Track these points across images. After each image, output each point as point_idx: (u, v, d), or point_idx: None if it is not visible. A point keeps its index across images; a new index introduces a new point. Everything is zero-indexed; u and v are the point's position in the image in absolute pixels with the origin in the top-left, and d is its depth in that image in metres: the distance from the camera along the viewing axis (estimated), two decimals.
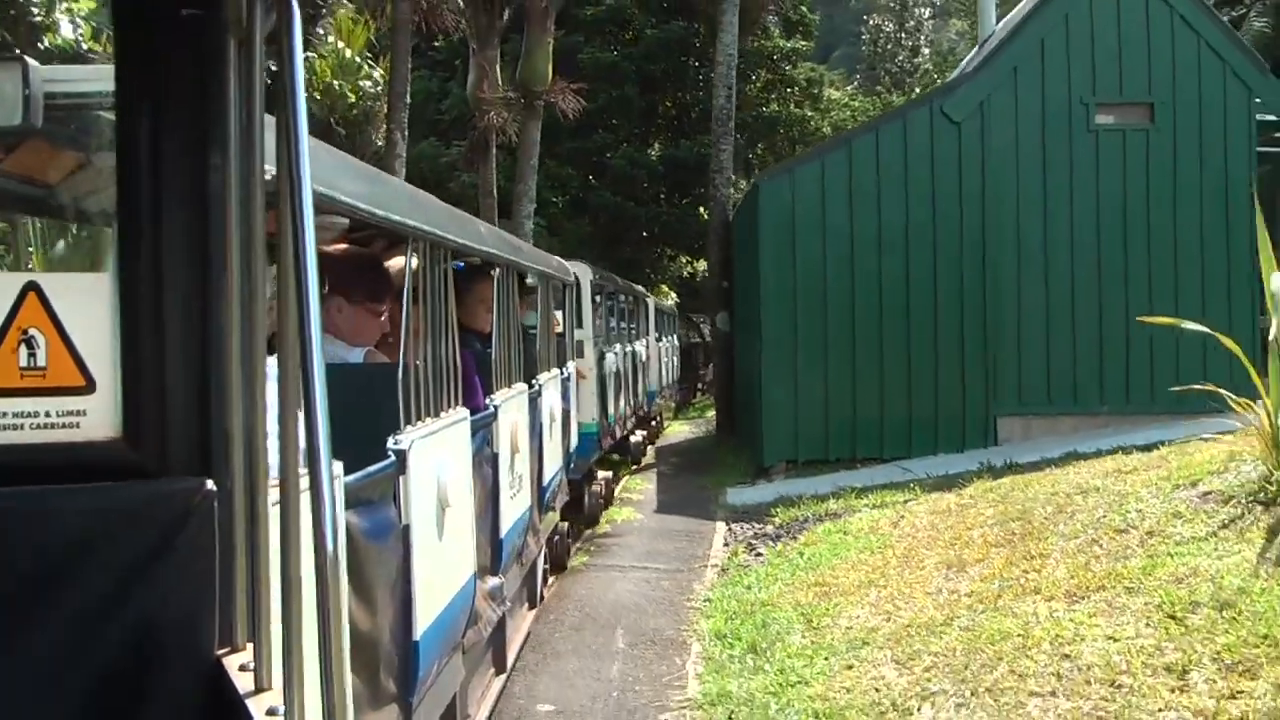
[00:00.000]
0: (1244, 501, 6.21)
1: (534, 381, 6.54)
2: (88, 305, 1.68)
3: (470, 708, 4.75)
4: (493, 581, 4.89)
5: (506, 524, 5.22)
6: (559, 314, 8.37)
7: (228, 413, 1.67)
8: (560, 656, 6.62)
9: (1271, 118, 12.92)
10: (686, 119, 28.62)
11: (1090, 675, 4.83)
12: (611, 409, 11.88)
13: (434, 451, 3.69)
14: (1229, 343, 6.72)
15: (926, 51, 49.60)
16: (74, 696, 1.60)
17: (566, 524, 8.89)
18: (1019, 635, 5.43)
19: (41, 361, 1.65)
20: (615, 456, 14.31)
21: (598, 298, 11.96)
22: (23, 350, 1.65)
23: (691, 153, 26.40)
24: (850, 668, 5.67)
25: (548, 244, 26.49)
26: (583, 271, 10.77)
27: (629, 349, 14.25)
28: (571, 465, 8.78)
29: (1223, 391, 6.65)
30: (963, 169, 12.92)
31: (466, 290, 4.93)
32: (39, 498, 1.64)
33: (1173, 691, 4.54)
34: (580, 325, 10.37)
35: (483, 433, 4.76)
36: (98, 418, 1.67)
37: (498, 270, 5.35)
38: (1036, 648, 5.23)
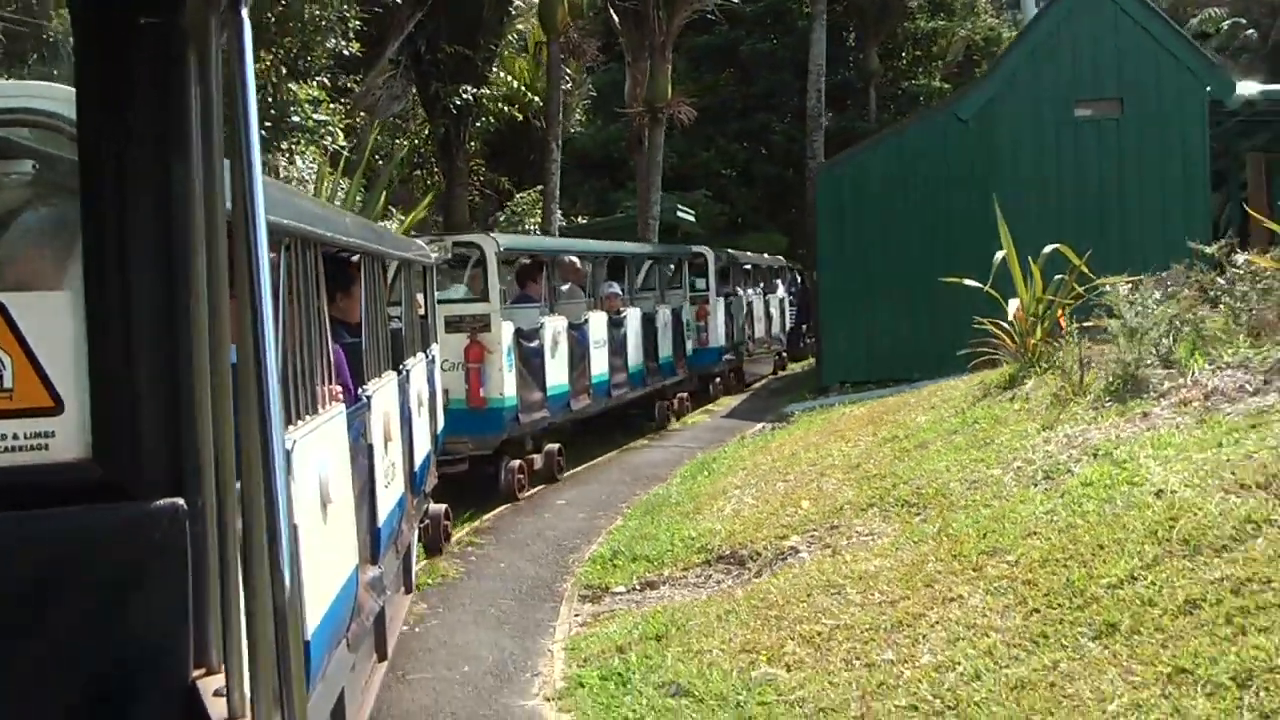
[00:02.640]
0: (990, 389, 10.26)
1: (401, 367, 6.67)
2: (54, 324, 1.65)
3: (357, 698, 4.81)
4: (372, 572, 4.93)
5: (383, 513, 5.35)
6: (420, 296, 8.36)
7: (199, 430, 1.66)
8: (586, 484, 11.41)
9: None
10: (839, 96, 32.47)
11: (812, 469, 9.21)
12: (560, 381, 11.59)
13: (315, 449, 3.70)
14: (994, 294, 10.71)
15: None
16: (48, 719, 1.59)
17: (444, 507, 8.82)
18: (806, 457, 9.81)
19: (8, 384, 1.62)
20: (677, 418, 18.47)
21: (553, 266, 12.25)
22: None
23: (841, 127, 30.25)
24: (724, 478, 10.18)
25: (718, 210, 31.14)
26: (488, 244, 10.46)
27: (627, 314, 14.19)
28: (441, 446, 8.90)
29: (992, 325, 10.64)
30: (972, 157, 16.70)
31: (332, 282, 4.88)
32: (8, 522, 1.61)
33: (844, 473, 8.85)
34: (487, 299, 10.19)
35: (357, 424, 4.83)
36: (67, 439, 1.65)
37: (358, 258, 5.47)
38: (804, 462, 9.61)
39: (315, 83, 11.70)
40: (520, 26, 21.63)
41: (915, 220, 16.86)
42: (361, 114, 15.45)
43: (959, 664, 4.86)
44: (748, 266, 22.00)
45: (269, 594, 1.37)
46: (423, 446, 7.35)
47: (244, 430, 1.42)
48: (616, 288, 14.43)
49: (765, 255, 25.02)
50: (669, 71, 20.20)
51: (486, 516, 9.89)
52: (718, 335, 18.34)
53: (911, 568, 6.08)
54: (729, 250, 21.04)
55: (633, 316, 14.44)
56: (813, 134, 21.49)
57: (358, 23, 12.67)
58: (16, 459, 1.64)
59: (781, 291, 24.87)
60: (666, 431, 14.97)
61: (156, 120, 1.64)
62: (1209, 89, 16.04)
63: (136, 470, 1.66)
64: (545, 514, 10.07)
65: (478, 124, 19.60)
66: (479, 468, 10.21)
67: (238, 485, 1.50)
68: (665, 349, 15.79)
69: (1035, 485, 6.75)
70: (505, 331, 10.25)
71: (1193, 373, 7.83)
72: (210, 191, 1.61)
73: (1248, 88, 16.94)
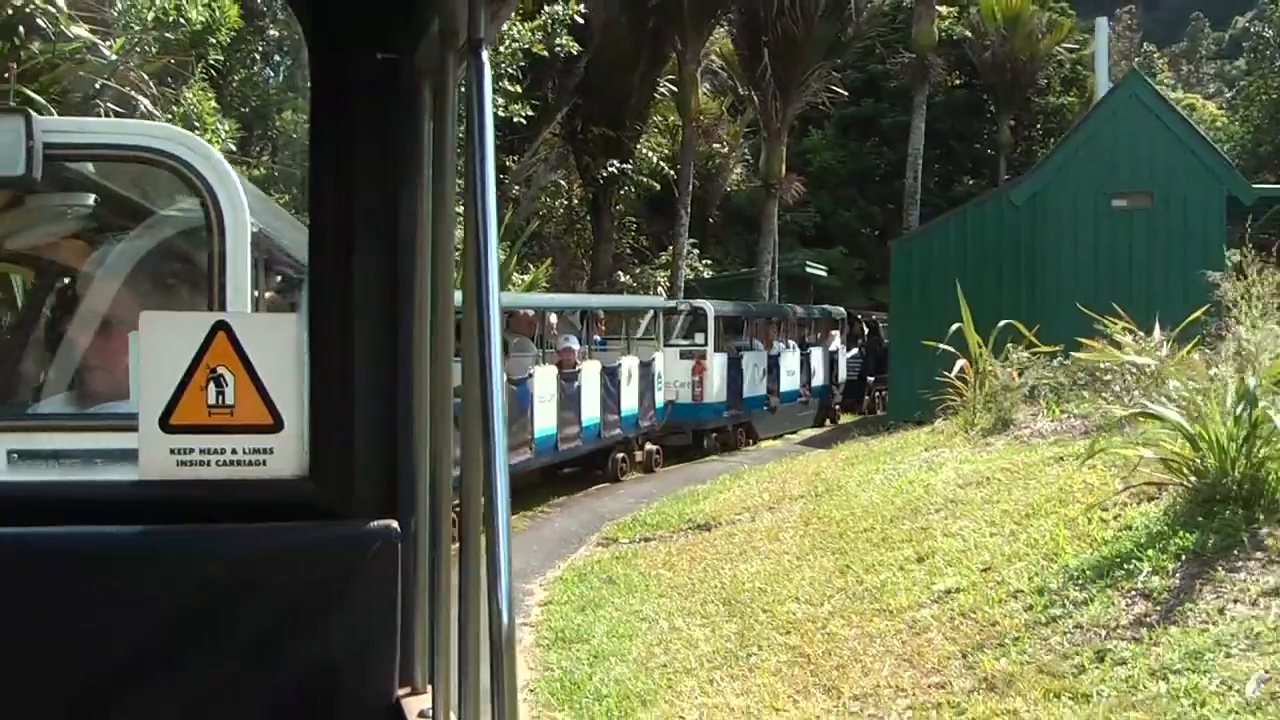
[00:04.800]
0: (943, 434, 13.47)
1: None
2: (276, 345, 1.71)
3: None
4: None
5: None
6: None
7: (415, 454, 1.72)
8: (645, 482, 15.10)
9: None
10: (977, 163, 35.37)
11: (791, 475, 12.66)
12: None
13: None
14: (956, 353, 13.93)
15: None
16: None
17: None
18: (796, 468, 13.27)
19: (230, 400, 1.69)
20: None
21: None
22: (211, 388, 1.68)
23: (969, 194, 33.07)
24: (741, 481, 13.71)
25: (855, 265, 34.38)
26: None
27: (582, 368, 14.25)
28: None
29: (957, 383, 13.84)
30: (1021, 236, 19.71)
31: None
32: (223, 536, 1.67)
33: (804, 477, 12.26)
34: None
35: None
36: (284, 456, 1.70)
37: None
38: (792, 471, 13.08)
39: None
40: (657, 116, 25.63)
41: (969, 287, 19.91)
42: (518, 186, 19.63)
43: (756, 567, 8.40)
44: (787, 318, 21.97)
45: (480, 621, 1.41)
46: None
47: (467, 458, 1.48)
48: (574, 341, 14.52)
49: (816, 307, 24.94)
50: (783, 153, 23.85)
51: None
52: (715, 390, 18.26)
53: (777, 526, 9.61)
54: (749, 304, 21.76)
55: (590, 370, 14.56)
56: (908, 209, 24.77)
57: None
58: (235, 473, 1.68)
59: (836, 343, 24.48)
60: (744, 450, 18.54)
61: (388, 152, 1.69)
62: (1226, 187, 18.65)
63: (351, 490, 1.70)
64: (605, 498, 13.85)
65: (622, 191, 23.65)
66: None
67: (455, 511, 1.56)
68: (629, 402, 15.76)
69: (885, 483, 10.14)
70: None
71: (1041, 419, 11.04)
72: (440, 223, 1.66)
73: None
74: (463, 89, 1.54)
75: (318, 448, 1.71)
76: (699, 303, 19.10)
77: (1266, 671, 4.40)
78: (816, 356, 22.90)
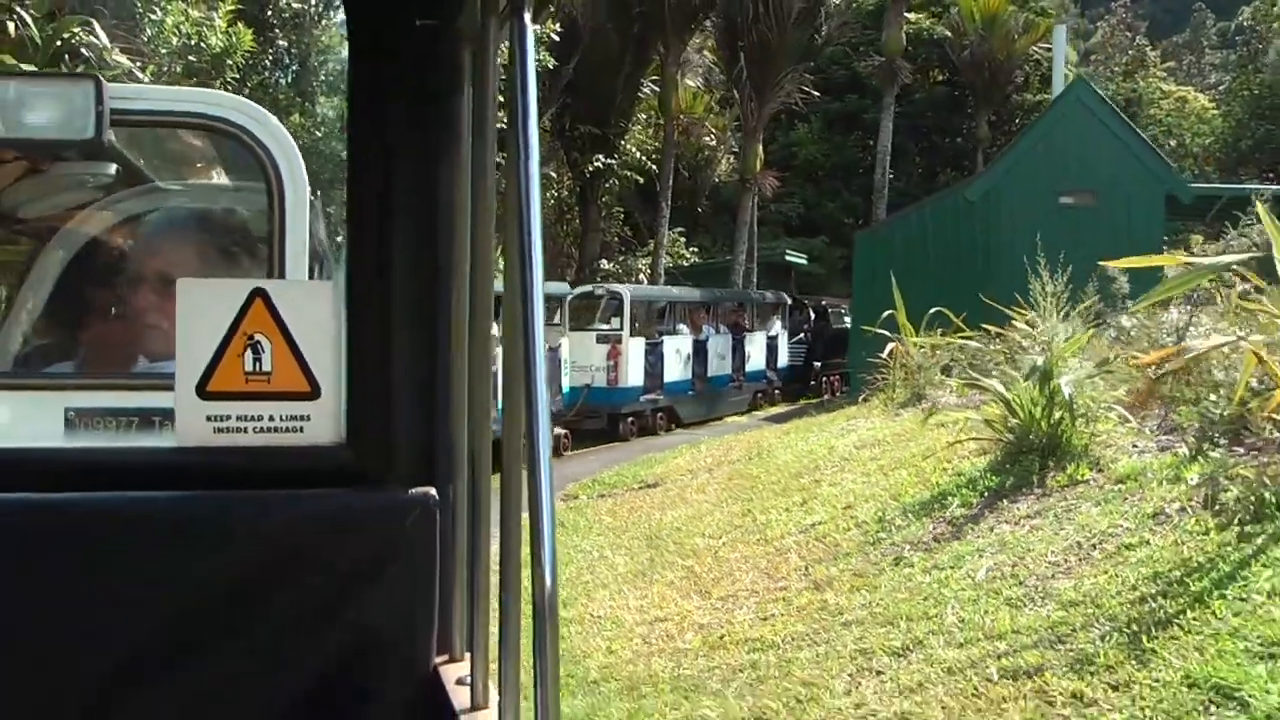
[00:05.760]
0: (868, 408, 15.06)
1: None
2: (314, 312, 1.73)
3: None
4: None
5: None
6: None
7: (453, 420, 1.72)
8: (608, 451, 16.69)
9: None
10: (956, 157, 36.86)
11: (735, 443, 14.24)
12: None
13: None
14: (889, 335, 15.50)
15: None
16: (288, 700, 1.66)
17: None
18: (745, 438, 14.85)
19: (267, 366, 1.71)
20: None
21: None
22: (248, 355, 1.70)
23: (949, 183, 34.57)
24: (695, 449, 15.31)
25: (838, 254, 35.89)
26: None
27: None
28: None
29: (885, 359, 15.39)
30: (975, 230, 21.23)
31: None
32: (261, 501, 1.68)
33: (744, 445, 13.85)
34: None
35: None
36: (322, 423, 1.72)
37: None
38: (737, 441, 14.67)
39: None
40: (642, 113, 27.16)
41: (927, 277, 21.43)
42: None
43: (680, 513, 10.01)
44: (719, 303, 22.27)
45: (519, 586, 1.42)
46: None
47: (509, 424, 1.47)
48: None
49: (752, 292, 25.23)
50: (758, 150, 25.40)
51: None
52: (631, 375, 18.41)
53: (706, 481, 11.22)
54: (672, 289, 22.18)
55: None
56: (877, 203, 26.35)
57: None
58: (272, 440, 1.68)
59: (776, 328, 24.96)
60: (709, 423, 20.12)
61: (427, 119, 1.68)
62: (1166, 187, 20.18)
63: (388, 457, 1.70)
64: (572, 463, 15.48)
65: (608, 184, 25.23)
66: None
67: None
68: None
69: (802, 447, 11.73)
70: None
71: (946, 393, 12.61)
72: (480, 190, 1.63)
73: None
74: (503, 52, 1.54)
75: (355, 415, 1.71)
76: (616, 287, 19.29)
77: (995, 564, 6.00)
78: (752, 341, 23.03)
